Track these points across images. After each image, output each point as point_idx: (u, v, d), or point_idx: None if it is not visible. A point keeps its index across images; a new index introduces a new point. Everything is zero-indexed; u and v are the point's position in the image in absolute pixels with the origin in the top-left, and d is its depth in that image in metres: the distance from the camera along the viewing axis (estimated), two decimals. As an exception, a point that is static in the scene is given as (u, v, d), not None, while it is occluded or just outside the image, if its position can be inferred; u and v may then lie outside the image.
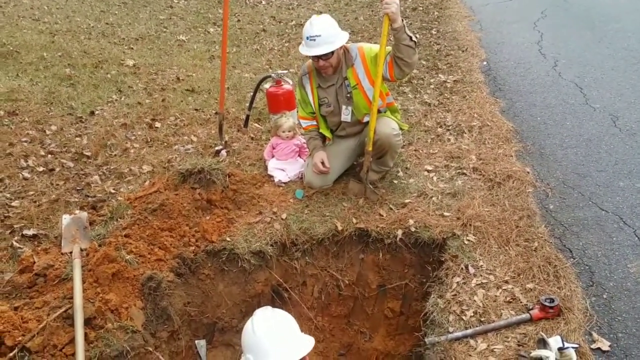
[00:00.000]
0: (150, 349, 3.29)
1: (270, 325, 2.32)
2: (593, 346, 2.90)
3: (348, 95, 4.21)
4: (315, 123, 4.52)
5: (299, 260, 4.12)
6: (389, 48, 3.92)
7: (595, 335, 2.98)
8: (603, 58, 6.93)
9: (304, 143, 4.82)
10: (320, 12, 4.27)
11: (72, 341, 2.95)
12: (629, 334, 2.99)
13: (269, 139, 4.96)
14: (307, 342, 2.33)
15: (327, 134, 4.53)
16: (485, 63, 7.19)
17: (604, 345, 2.91)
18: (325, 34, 3.93)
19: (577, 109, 5.64)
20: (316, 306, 4.27)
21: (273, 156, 4.76)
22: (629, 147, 4.80)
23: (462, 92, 6.20)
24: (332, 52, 3.99)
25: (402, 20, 3.77)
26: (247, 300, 4.08)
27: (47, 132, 5.37)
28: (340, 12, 10.25)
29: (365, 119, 4.26)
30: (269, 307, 2.46)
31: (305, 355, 2.30)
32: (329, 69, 4.13)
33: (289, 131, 4.72)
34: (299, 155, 4.80)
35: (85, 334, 2.99)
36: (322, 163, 4.34)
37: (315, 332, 4.21)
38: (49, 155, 4.97)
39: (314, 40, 3.93)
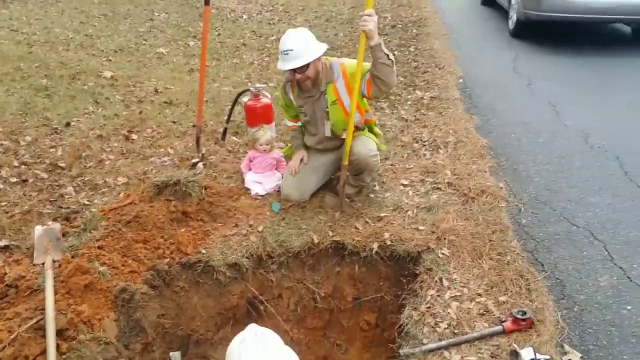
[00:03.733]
0: (123, 361, 3.25)
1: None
2: (564, 358, 2.95)
3: (326, 110, 4.24)
4: (300, 124, 4.57)
5: (274, 272, 4.11)
6: (369, 65, 3.96)
7: (567, 347, 3.02)
8: (577, 76, 7.09)
9: (282, 157, 4.84)
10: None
11: (43, 352, 2.91)
12: (600, 346, 3.05)
13: (247, 152, 4.96)
14: None
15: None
16: (461, 80, 7.31)
17: (576, 357, 2.95)
18: (298, 48, 3.95)
19: (549, 127, 5.76)
20: (292, 318, 4.26)
21: (250, 169, 4.76)
22: (600, 165, 4.91)
23: (438, 109, 6.28)
24: (307, 65, 4.00)
25: (379, 38, 3.81)
26: (222, 312, 4.05)
27: (22, 142, 5.31)
28: (320, 28, 10.32)
29: (344, 135, 4.28)
30: (257, 330, 2.14)
31: None
32: (307, 82, 4.13)
33: (267, 144, 4.73)
34: (276, 169, 4.81)
35: (58, 345, 2.94)
36: (302, 160, 4.51)
37: (291, 344, 4.13)
38: (23, 166, 4.91)
39: (287, 54, 3.97)
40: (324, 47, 4.10)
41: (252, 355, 2.01)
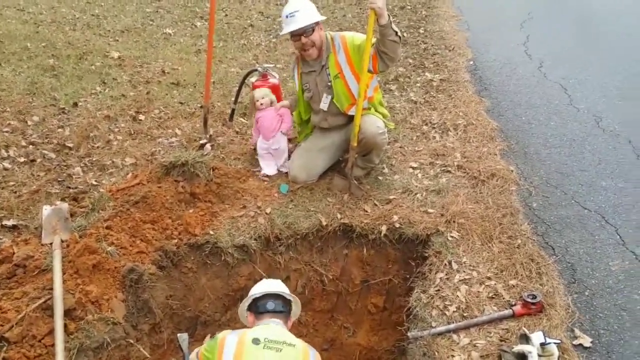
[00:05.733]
0: (132, 342, 3.25)
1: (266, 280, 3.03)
2: (575, 342, 2.93)
3: (329, 84, 4.23)
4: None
5: (282, 254, 4.10)
6: (373, 40, 3.92)
7: (577, 331, 3.00)
8: (588, 60, 6.98)
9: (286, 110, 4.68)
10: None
11: (51, 332, 2.92)
12: (611, 331, 3.02)
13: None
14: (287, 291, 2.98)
15: (303, 115, 4.64)
16: (471, 62, 7.22)
17: (586, 341, 2.94)
18: (303, 8, 3.99)
19: (561, 110, 5.68)
20: (300, 301, 4.25)
21: (259, 133, 4.62)
22: (612, 148, 4.84)
23: (448, 91, 6.21)
24: (313, 30, 4.01)
25: (389, 16, 3.77)
26: (229, 294, 4.05)
27: (29, 122, 5.29)
28: (328, 9, 10.21)
29: (350, 112, 4.24)
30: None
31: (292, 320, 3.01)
32: (312, 50, 4.12)
33: (262, 98, 4.55)
34: (282, 122, 4.61)
35: (65, 325, 2.96)
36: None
37: (298, 326, 4.20)
38: (30, 146, 4.89)
39: (293, 16, 3.98)
40: (323, 17, 4.12)
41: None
